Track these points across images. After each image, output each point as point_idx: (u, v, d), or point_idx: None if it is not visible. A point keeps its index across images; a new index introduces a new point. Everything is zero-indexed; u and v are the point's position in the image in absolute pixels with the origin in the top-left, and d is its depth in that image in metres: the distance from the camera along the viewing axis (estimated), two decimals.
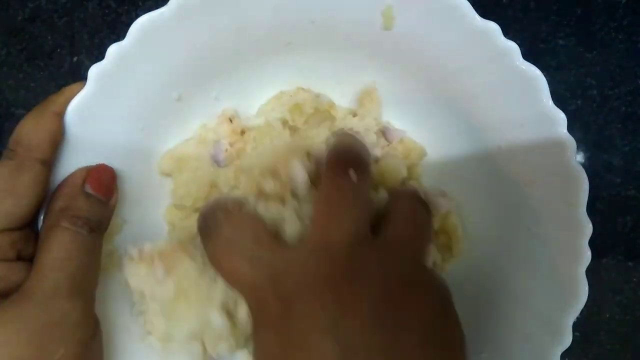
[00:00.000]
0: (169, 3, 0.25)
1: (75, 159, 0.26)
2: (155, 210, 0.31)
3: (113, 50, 0.25)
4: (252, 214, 0.24)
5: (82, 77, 0.36)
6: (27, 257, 0.24)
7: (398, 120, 0.33)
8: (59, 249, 0.23)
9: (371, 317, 0.20)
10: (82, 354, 0.24)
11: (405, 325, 0.20)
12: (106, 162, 0.27)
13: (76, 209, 0.24)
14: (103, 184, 0.25)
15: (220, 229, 0.23)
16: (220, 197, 0.26)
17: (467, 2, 0.25)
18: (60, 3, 0.37)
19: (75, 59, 0.36)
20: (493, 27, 0.25)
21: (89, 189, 0.25)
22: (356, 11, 0.27)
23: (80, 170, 0.25)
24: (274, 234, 0.24)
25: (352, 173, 0.23)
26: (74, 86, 0.25)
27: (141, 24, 0.25)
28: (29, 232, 0.25)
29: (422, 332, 0.21)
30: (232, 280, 0.24)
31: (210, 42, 0.27)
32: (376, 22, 0.27)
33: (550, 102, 0.25)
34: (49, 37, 0.36)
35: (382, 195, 0.27)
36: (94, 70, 0.25)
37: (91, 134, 0.26)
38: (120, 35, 0.38)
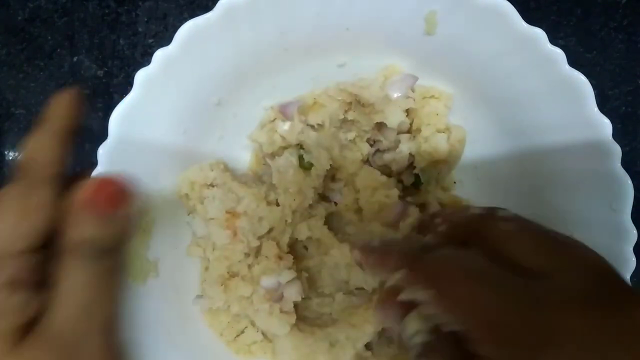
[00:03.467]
0: (215, 8, 0.24)
1: (121, 162, 0.25)
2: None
3: (159, 55, 0.24)
4: None
5: (82, 77, 0.36)
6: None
7: None
8: (68, 283, 0.22)
9: None
10: None
11: None
12: (150, 164, 0.27)
13: (77, 236, 0.22)
14: (104, 199, 0.22)
15: None
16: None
17: (513, 8, 0.24)
18: (60, 3, 0.37)
19: (75, 59, 0.36)
20: (539, 33, 0.25)
21: (88, 209, 0.22)
22: (398, 17, 0.26)
23: (78, 191, 0.22)
24: None
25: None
26: (60, 100, 0.24)
27: (187, 29, 0.24)
28: (53, 252, 0.23)
29: None
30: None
31: (252, 47, 0.27)
32: (418, 27, 0.26)
33: (596, 109, 0.25)
34: (49, 37, 0.36)
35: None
36: (141, 75, 0.25)
37: (137, 137, 0.26)
38: (120, 35, 0.38)
